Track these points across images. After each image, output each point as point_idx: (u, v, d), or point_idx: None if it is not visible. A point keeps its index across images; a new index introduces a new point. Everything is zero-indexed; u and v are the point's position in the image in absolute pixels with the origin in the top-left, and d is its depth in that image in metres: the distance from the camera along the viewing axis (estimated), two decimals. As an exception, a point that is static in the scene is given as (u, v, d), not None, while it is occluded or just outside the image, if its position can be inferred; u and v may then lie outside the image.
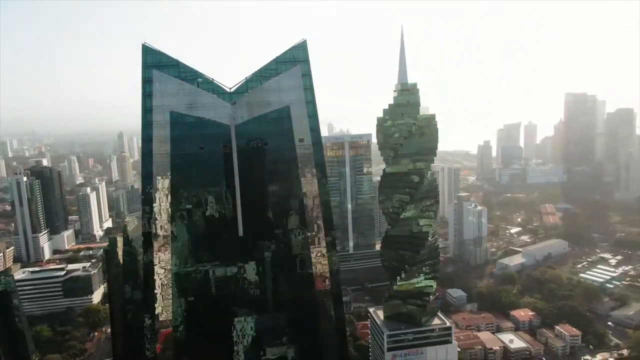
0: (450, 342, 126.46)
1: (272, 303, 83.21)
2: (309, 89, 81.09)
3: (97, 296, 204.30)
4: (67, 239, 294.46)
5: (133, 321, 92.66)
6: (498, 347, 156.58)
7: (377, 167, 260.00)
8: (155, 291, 76.50)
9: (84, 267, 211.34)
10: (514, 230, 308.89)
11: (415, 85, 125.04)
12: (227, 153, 77.99)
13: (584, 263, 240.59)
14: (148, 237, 77.42)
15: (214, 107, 77.21)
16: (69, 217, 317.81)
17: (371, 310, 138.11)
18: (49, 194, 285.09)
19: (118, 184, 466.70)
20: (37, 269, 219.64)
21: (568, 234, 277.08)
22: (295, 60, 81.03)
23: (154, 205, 76.51)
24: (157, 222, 76.84)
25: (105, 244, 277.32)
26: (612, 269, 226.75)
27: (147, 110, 76.02)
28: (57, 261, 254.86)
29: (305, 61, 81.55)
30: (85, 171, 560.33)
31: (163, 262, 77.37)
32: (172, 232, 77.40)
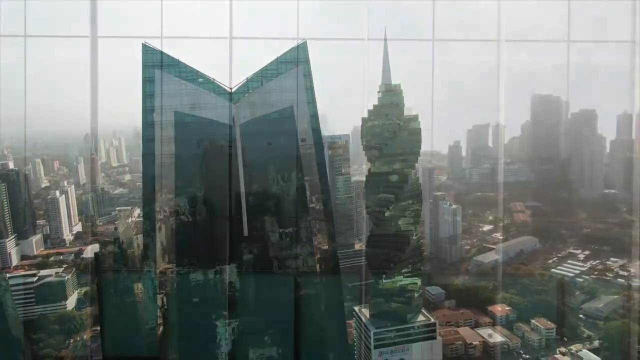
0: (435, 338, 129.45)
1: (273, 303, 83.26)
2: (309, 89, 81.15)
3: (71, 302, 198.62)
4: (35, 244, 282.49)
5: (125, 324, 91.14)
6: (478, 342, 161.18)
7: (352, 168, 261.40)
8: (153, 293, 75.39)
9: (56, 273, 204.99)
10: (487, 228, 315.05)
11: (398, 85, 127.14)
12: (231, 153, 77.52)
13: (555, 259, 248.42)
14: (147, 238, 75.77)
15: (216, 107, 76.50)
16: (37, 221, 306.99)
17: (356, 309, 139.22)
18: (15, 197, 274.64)
19: (86, 186, 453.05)
20: (6, 275, 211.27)
21: (538, 231, 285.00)
22: (296, 60, 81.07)
23: (153, 206, 75.22)
24: (156, 223, 75.74)
25: (76, 248, 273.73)
26: (581, 264, 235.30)
27: (147, 111, 74.19)
28: (26, 267, 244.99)
29: (306, 62, 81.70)
30: (50, 174, 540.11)
31: (160, 264, 76.40)
32: (172, 233, 76.54)
